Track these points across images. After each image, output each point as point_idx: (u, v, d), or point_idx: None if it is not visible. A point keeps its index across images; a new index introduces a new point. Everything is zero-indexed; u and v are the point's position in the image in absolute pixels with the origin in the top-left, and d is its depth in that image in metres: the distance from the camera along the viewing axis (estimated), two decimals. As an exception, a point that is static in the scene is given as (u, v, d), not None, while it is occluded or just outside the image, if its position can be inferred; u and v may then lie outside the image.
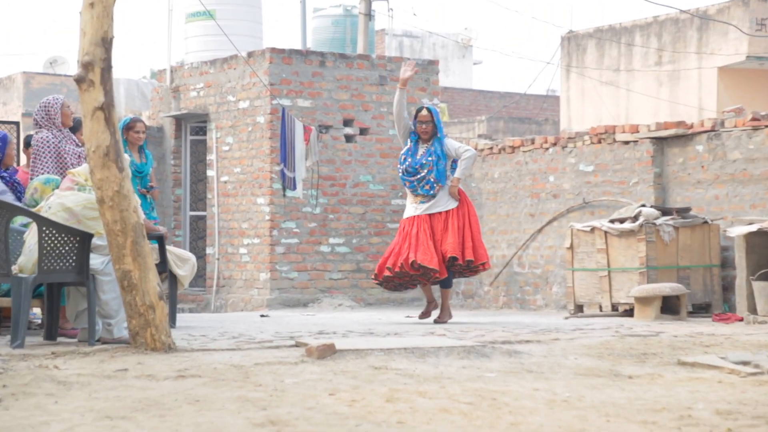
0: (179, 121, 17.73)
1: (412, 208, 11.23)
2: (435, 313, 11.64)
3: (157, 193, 11.21)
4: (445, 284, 11.47)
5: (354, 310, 15.18)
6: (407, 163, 11.19)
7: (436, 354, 7.63)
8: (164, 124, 17.86)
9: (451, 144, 11.35)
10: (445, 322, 11.28)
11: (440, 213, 11.07)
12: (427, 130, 11.19)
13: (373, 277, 11.69)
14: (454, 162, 11.23)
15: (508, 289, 15.17)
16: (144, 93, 22.64)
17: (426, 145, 11.24)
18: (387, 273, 11.23)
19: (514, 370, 6.99)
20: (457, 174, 11.14)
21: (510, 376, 6.74)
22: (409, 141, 11.37)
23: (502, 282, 15.22)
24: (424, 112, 11.29)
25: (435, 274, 11.07)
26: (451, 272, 11.32)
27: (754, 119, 12.40)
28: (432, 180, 11.04)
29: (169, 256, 9.66)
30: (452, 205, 11.08)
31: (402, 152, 11.41)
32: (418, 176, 11.08)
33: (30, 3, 72.02)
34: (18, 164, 11.60)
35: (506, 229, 15.24)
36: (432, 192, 11.06)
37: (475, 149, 15.25)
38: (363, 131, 16.57)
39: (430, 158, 11.09)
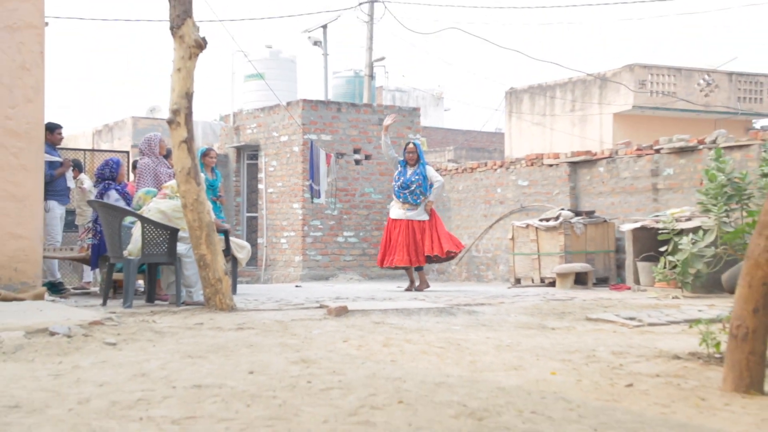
0: (239, 150, 17.73)
1: (401, 212, 11.43)
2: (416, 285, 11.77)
3: (224, 200, 11.21)
4: (419, 269, 11.71)
5: (361, 282, 15.14)
6: (401, 180, 11.42)
7: (418, 313, 7.64)
8: (228, 152, 17.85)
9: (430, 171, 11.64)
10: (422, 290, 11.37)
11: (420, 222, 11.29)
12: (413, 157, 11.46)
13: (378, 264, 11.93)
14: (432, 183, 11.46)
15: (468, 267, 15.16)
16: (215, 131, 22.62)
17: (413, 168, 11.44)
18: (387, 266, 11.63)
19: (472, 325, 6.99)
20: (430, 198, 11.44)
21: (470, 328, 6.73)
22: (399, 166, 11.55)
23: (464, 263, 15.21)
24: (411, 145, 11.59)
25: (407, 268, 11.53)
26: (426, 262, 11.68)
27: (638, 149, 12.45)
28: (419, 192, 11.31)
29: (232, 244, 9.65)
30: (425, 218, 11.41)
31: (395, 174, 11.62)
32: (409, 189, 11.33)
33: (137, 62, 71.96)
34: (128, 180, 11.65)
35: (467, 225, 15.23)
36: (418, 201, 11.30)
37: (445, 170, 15.37)
38: (367, 157, 16.58)
39: (417, 177, 11.36)
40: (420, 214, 11.44)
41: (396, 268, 11.68)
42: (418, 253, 11.39)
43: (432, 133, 29.60)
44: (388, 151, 11.61)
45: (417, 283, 11.74)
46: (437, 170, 15.76)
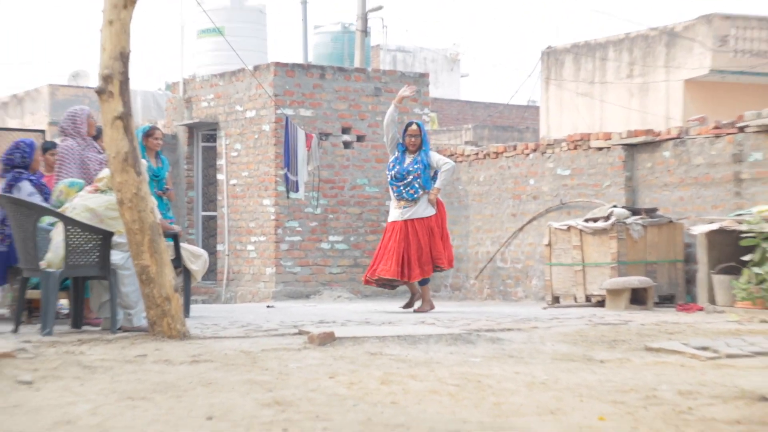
0: (191, 129, 17.68)
1: (397, 213, 11.58)
2: (417, 305, 11.84)
3: (172, 194, 11.17)
4: (424, 282, 11.76)
5: (352, 301, 15.08)
6: (396, 169, 11.50)
7: (426, 341, 7.59)
8: (178, 131, 17.81)
9: (434, 156, 11.67)
10: (425, 312, 11.43)
11: (422, 219, 11.37)
12: (415, 143, 11.51)
13: (364, 281, 12.11)
14: (436, 172, 11.51)
15: (491, 282, 15.15)
16: (159, 104, 22.59)
17: (413, 155, 11.53)
18: (372, 284, 11.89)
19: (496, 356, 6.94)
20: (437, 184, 11.52)
21: (493, 360, 6.68)
22: (396, 151, 11.64)
23: (486, 276, 15.19)
24: (414, 126, 11.63)
25: (398, 282, 11.67)
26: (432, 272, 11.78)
27: (715, 127, 12.37)
28: (417, 186, 11.39)
29: (183, 252, 9.63)
30: (431, 212, 11.49)
31: (390, 160, 11.70)
32: (405, 182, 11.40)
33: (54, 18, 71.84)
34: (44, 168, 11.58)
35: (490, 227, 15.21)
36: (416, 197, 11.39)
37: (462, 155, 15.43)
38: (360, 138, 16.52)
39: (416, 166, 11.42)
40: (420, 210, 11.48)
41: (382, 283, 11.73)
42: (421, 263, 11.43)
43: (445, 107, 29.60)
44: (391, 127, 11.68)
45: (417, 304, 11.79)
46: (451, 155, 15.74)
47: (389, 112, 11.73)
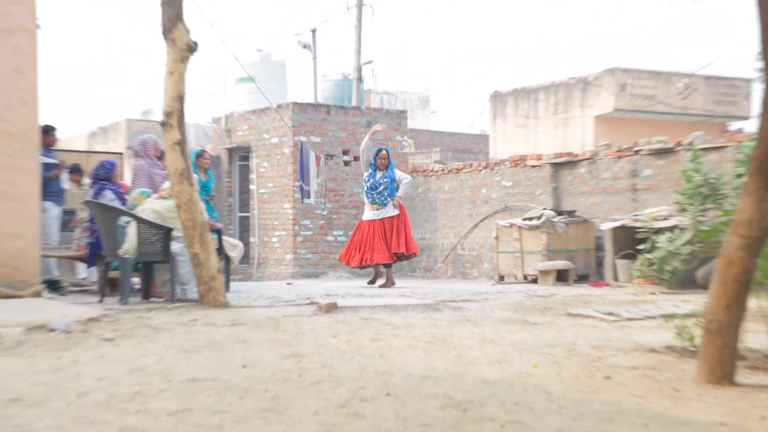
0: (231, 151, 17.46)
1: (372, 213, 11.63)
2: (380, 281, 11.74)
3: (216, 200, 11.17)
4: (389, 265, 11.71)
5: (350, 280, 14.98)
6: (370, 182, 11.65)
7: (405, 309, 7.60)
8: (221, 153, 17.59)
9: (398, 173, 11.87)
10: (388, 288, 11.34)
11: (390, 218, 11.42)
12: (384, 163, 11.67)
13: (339, 258, 12.03)
14: (398, 185, 11.65)
15: (454, 265, 15.06)
16: (207, 133, 22.45)
17: (382, 172, 11.62)
18: (355, 265, 11.66)
19: (458, 320, 6.94)
20: (399, 193, 11.72)
21: (455, 324, 6.68)
22: (369, 169, 11.71)
23: (450, 260, 15.10)
24: (383, 152, 11.88)
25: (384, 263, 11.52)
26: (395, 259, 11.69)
27: (618, 151, 12.41)
28: (386, 194, 11.51)
29: (224, 243, 9.56)
30: (396, 212, 11.54)
31: (364, 176, 11.81)
32: (377, 191, 11.54)
33: (130, 67, 71.64)
34: (122, 181, 11.55)
35: (453, 225, 15.11)
36: (386, 202, 11.48)
37: (432, 171, 15.41)
38: (356, 158, 16.28)
39: (385, 180, 11.55)
40: (389, 211, 11.52)
41: (365, 266, 11.70)
42: (389, 250, 11.49)
43: (419, 135, 29.53)
44: (367, 152, 11.81)
45: (382, 281, 11.62)
46: (423, 171, 15.82)
47: (365, 141, 11.86)
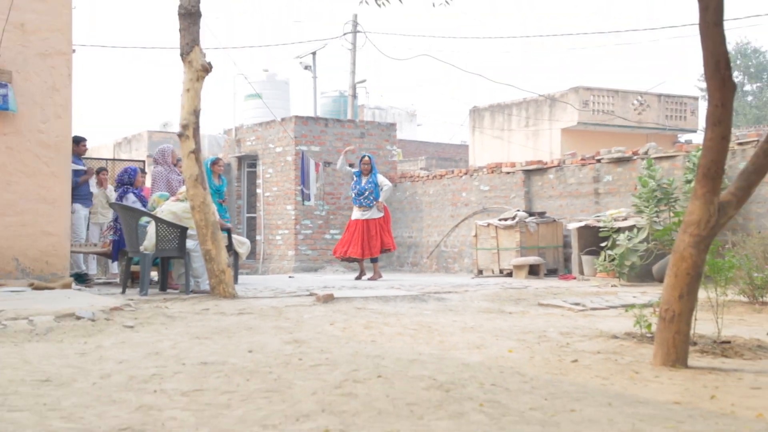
0: (240, 159, 17.33)
1: (359, 213, 11.53)
2: (367, 275, 11.57)
3: (227, 202, 11.03)
4: (374, 260, 11.50)
5: (345, 274, 14.87)
6: (357, 189, 11.60)
7: (395, 300, 7.49)
8: (231, 161, 17.55)
9: (380, 178, 11.75)
10: (375, 280, 11.07)
11: (375, 219, 11.38)
12: (367, 168, 11.64)
13: (334, 254, 11.95)
14: (382, 188, 11.61)
15: (438, 260, 14.88)
16: (219, 143, 22.38)
17: (366, 177, 11.56)
18: (339, 257, 11.61)
19: (441, 310, 6.85)
20: (381, 198, 11.55)
21: (439, 313, 6.59)
22: (354, 176, 11.66)
23: (435, 256, 14.91)
24: (366, 158, 11.58)
25: (359, 259, 11.44)
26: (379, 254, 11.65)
27: (582, 159, 12.22)
28: (371, 198, 11.40)
29: (234, 240, 9.46)
30: (380, 215, 11.49)
31: (352, 184, 11.79)
32: (363, 196, 11.53)
33: (152, 84, 71.40)
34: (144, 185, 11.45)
35: (437, 224, 14.94)
36: (371, 205, 11.40)
37: (418, 177, 15.33)
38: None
39: (369, 185, 11.52)
40: (373, 214, 11.44)
41: (351, 259, 11.61)
42: (372, 247, 11.34)
43: (407, 145, 29.47)
44: (342, 167, 11.81)
45: (369, 275, 11.63)
46: (410, 177, 15.75)
47: (340, 161, 11.86)
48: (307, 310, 6.53)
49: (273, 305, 6.86)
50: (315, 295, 7.53)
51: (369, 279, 11.30)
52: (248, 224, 17.38)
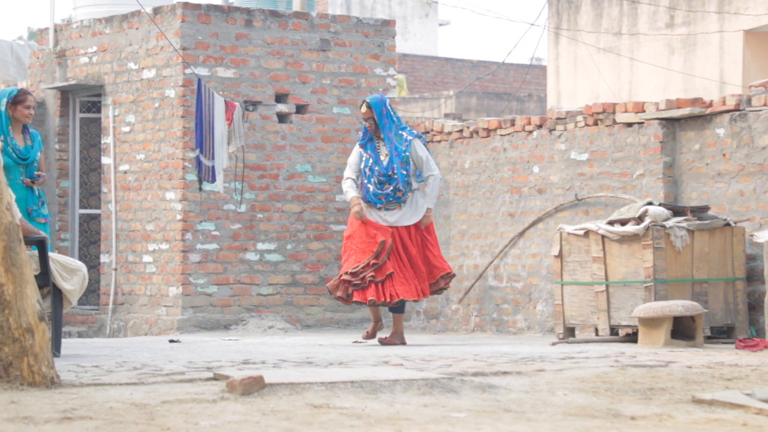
0: (66, 94, 11.24)
1: (381, 214, 7.59)
2: (381, 334, 7.77)
3: (44, 180, 7.25)
4: (400, 309, 7.65)
5: (288, 333, 9.94)
6: (376, 170, 7.47)
7: (391, 389, 5.19)
8: (46, 97, 11.33)
9: (418, 148, 7.45)
10: (394, 344, 7.52)
11: (412, 226, 7.47)
12: (370, 126, 7.53)
13: (332, 290, 7.85)
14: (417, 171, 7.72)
15: (481, 307, 10.20)
16: (20, 58, 16.48)
17: (381, 142, 7.58)
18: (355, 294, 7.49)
19: (487, 410, 4.80)
20: (428, 202, 7.59)
21: (483, 416, 4.65)
22: (366, 151, 7.60)
23: (474, 298, 10.11)
24: (363, 108, 7.63)
25: (378, 303, 7.44)
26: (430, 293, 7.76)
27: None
28: (408, 185, 7.69)
29: (52, 265, 6.49)
30: (418, 217, 7.83)
31: (361, 159, 7.66)
32: (390, 183, 7.47)
33: None
34: None
35: (480, 232, 10.14)
36: (402, 199, 7.69)
37: (441, 132, 9.72)
38: (300, 109, 10.36)
39: (399, 160, 7.50)
40: (408, 216, 7.63)
41: (372, 303, 7.61)
42: (419, 277, 7.48)
43: (417, 66, 21.55)
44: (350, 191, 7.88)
45: (382, 329, 7.78)
46: (426, 132, 9.91)
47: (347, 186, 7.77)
48: (207, 412, 4.67)
49: (136, 400, 4.90)
50: (225, 380, 5.19)
51: (385, 342, 7.56)
52: (83, 231, 11.24)
